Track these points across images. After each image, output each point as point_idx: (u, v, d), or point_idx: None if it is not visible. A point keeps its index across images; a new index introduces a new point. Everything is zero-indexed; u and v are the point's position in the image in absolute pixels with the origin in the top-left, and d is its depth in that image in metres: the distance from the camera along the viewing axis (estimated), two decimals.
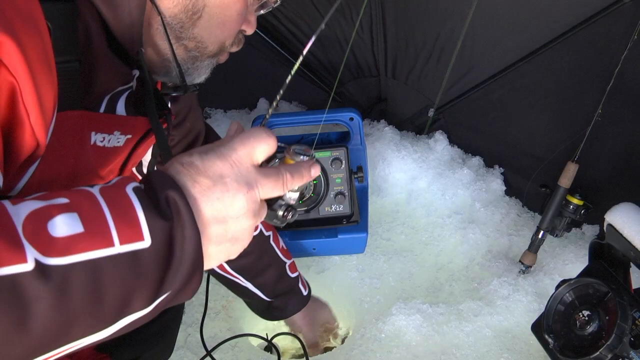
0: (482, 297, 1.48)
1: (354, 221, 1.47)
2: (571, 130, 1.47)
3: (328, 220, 1.46)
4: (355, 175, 1.45)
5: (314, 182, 1.41)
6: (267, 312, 1.39)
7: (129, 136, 0.83)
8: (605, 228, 1.11)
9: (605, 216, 1.11)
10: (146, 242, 0.56)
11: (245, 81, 1.90)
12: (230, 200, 0.61)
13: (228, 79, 1.87)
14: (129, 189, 0.59)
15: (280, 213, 0.69)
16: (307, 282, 1.43)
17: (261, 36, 1.76)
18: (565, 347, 1.10)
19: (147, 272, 0.56)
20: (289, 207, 0.69)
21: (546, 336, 1.13)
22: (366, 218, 1.53)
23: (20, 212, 0.53)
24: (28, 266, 0.50)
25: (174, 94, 0.88)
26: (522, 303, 1.44)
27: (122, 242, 0.55)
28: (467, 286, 1.54)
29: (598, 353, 1.01)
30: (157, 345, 1.19)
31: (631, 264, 1.15)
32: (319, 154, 1.41)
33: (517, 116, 1.64)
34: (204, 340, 1.34)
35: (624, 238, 1.06)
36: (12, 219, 0.52)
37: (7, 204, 0.54)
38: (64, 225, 0.53)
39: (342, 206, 1.44)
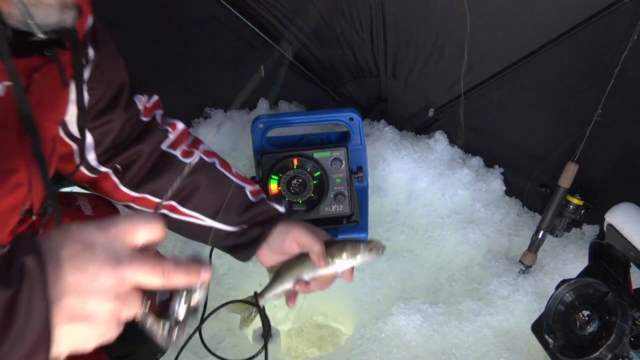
0: (482, 297, 1.48)
1: (354, 221, 1.47)
2: (571, 130, 1.47)
3: (328, 220, 1.46)
4: (355, 175, 1.45)
5: (314, 182, 1.41)
6: (242, 247, 1.13)
7: (7, 83, 0.75)
8: (605, 228, 1.11)
9: (605, 216, 1.11)
10: None
11: (245, 81, 1.90)
12: (94, 271, 0.56)
13: (228, 79, 1.87)
14: None
15: (162, 329, 0.60)
16: (286, 205, 1.21)
17: (261, 36, 1.76)
18: (565, 347, 1.10)
19: None
20: (176, 323, 0.60)
21: (546, 336, 1.13)
22: (366, 218, 1.53)
23: None
24: None
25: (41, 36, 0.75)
26: (522, 303, 1.44)
27: None
28: (467, 286, 1.54)
29: (598, 353, 1.01)
30: (152, 340, 1.18)
31: (631, 264, 1.15)
32: (319, 154, 1.41)
33: (517, 116, 1.64)
34: (204, 341, 1.33)
35: (624, 238, 1.06)
36: None
37: None
38: None
39: (342, 206, 1.44)
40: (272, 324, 1.42)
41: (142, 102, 1.10)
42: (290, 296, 1.13)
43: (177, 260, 0.60)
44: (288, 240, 1.09)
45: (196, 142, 1.18)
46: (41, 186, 0.87)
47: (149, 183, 1.10)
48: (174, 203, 1.12)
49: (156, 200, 1.11)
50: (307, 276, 1.08)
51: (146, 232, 0.60)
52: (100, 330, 0.59)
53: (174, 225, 1.16)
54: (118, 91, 1.06)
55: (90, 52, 0.96)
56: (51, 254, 0.56)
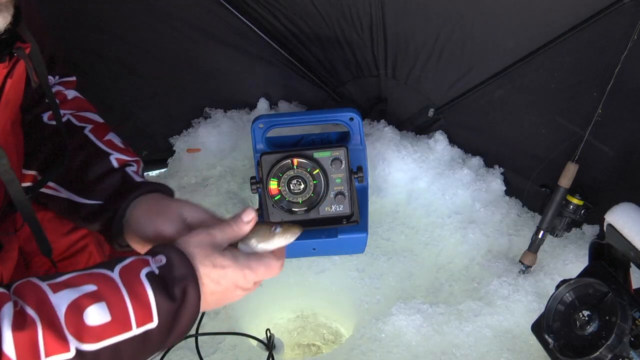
0: (482, 297, 1.48)
1: (353, 221, 1.47)
2: (571, 130, 1.47)
3: (328, 220, 1.46)
4: (355, 175, 1.45)
5: (314, 182, 1.41)
6: (106, 228, 0.96)
7: None
8: (605, 228, 1.11)
9: (605, 216, 1.11)
10: (154, 323, 0.73)
11: (245, 81, 1.90)
12: (231, 297, 0.82)
13: (228, 79, 1.88)
14: (143, 276, 0.74)
15: None
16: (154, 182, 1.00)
17: (261, 36, 1.76)
18: (565, 347, 1.10)
19: (152, 344, 0.74)
20: None
21: (546, 336, 1.13)
22: (366, 218, 1.53)
23: (61, 304, 0.68)
24: (70, 354, 0.67)
25: None
26: (522, 303, 1.44)
27: (138, 325, 0.72)
28: (467, 286, 1.54)
29: (598, 353, 1.01)
30: None
31: (631, 264, 1.15)
32: (319, 154, 1.41)
33: (517, 116, 1.64)
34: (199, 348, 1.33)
35: (624, 238, 1.06)
36: (56, 311, 0.68)
37: (48, 292, 0.69)
38: (96, 315, 0.69)
39: (342, 206, 1.44)
40: (276, 335, 1.43)
41: (50, 82, 1.06)
42: None
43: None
44: (150, 230, 0.88)
45: (77, 107, 1.06)
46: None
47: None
48: (34, 173, 1.01)
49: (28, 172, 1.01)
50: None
51: (270, 276, 0.84)
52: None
53: (48, 203, 1.01)
54: (48, 61, 1.01)
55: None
56: (206, 287, 0.78)
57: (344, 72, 1.82)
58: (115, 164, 0.98)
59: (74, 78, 1.13)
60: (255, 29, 1.74)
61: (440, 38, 1.58)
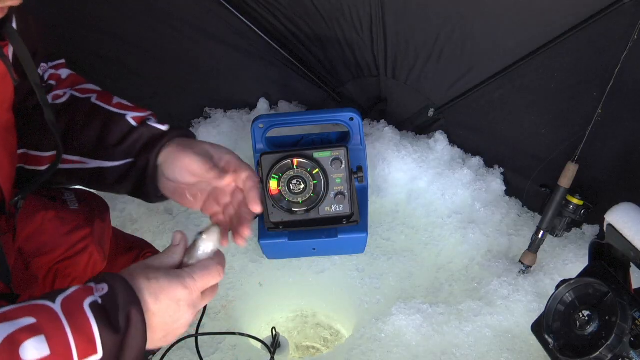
0: (482, 297, 1.48)
1: (353, 221, 1.47)
2: (571, 130, 1.47)
3: (328, 220, 1.46)
4: (355, 175, 1.45)
5: (314, 182, 1.41)
6: (139, 185, 0.99)
7: None
8: (605, 228, 1.11)
9: (605, 216, 1.11)
10: (99, 355, 0.70)
11: (245, 81, 1.90)
12: (179, 317, 0.79)
13: (228, 79, 1.87)
14: (86, 306, 0.71)
15: None
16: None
17: (261, 36, 1.76)
18: (565, 347, 1.10)
19: None
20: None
21: (546, 336, 1.13)
22: (366, 218, 1.53)
23: None
24: None
25: None
26: (522, 303, 1.44)
27: (80, 358, 0.68)
28: (467, 286, 1.54)
29: (598, 353, 1.01)
30: None
31: (631, 264, 1.15)
32: (319, 154, 1.41)
33: (517, 116, 1.64)
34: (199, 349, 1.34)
35: (624, 238, 1.06)
36: None
37: None
38: (33, 350, 0.66)
39: (342, 206, 1.44)
40: (280, 334, 1.43)
41: (44, 70, 1.06)
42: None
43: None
44: (177, 169, 0.93)
45: (74, 82, 1.07)
46: (8, 183, 0.88)
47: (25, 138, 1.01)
48: (55, 153, 1.00)
49: (39, 154, 1.02)
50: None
51: (214, 283, 0.83)
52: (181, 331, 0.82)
53: (69, 179, 1.04)
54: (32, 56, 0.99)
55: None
56: (147, 305, 0.75)
57: (344, 72, 1.82)
58: (133, 122, 1.00)
59: (62, 60, 1.10)
60: (255, 29, 1.74)
61: (440, 38, 1.58)
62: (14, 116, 0.96)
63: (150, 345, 0.76)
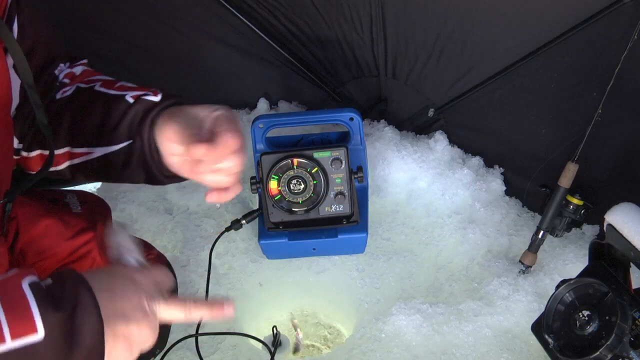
0: (482, 297, 1.48)
1: (353, 221, 1.47)
2: (571, 130, 1.47)
3: (328, 220, 1.46)
4: (355, 175, 1.45)
5: (314, 182, 1.41)
6: (146, 165, 0.93)
7: None
8: (605, 228, 1.11)
9: (605, 216, 1.11)
10: (39, 334, 0.61)
11: (245, 81, 1.90)
12: (136, 301, 0.70)
13: (228, 79, 1.87)
14: (25, 284, 0.64)
15: None
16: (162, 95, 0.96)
17: (261, 36, 1.76)
18: (565, 347, 1.10)
19: None
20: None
21: (546, 336, 1.13)
22: (366, 218, 1.53)
23: None
24: None
25: None
26: (522, 303, 1.44)
27: (13, 337, 0.60)
28: (467, 286, 1.54)
29: (598, 353, 1.01)
30: None
31: (631, 264, 1.15)
32: (319, 154, 1.41)
33: (517, 116, 1.64)
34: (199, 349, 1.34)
35: (624, 238, 1.06)
36: None
37: None
38: None
39: (342, 206, 1.44)
40: (282, 333, 1.43)
41: (60, 70, 1.03)
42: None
43: (197, 299, 0.75)
44: (163, 141, 0.86)
45: (81, 78, 1.03)
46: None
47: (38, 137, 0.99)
48: (68, 148, 0.96)
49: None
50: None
51: (165, 286, 0.76)
52: (134, 350, 0.70)
53: (85, 175, 1.00)
54: (39, 68, 0.98)
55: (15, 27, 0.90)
56: (100, 283, 0.68)
57: (344, 72, 1.82)
58: (130, 100, 0.94)
59: (84, 60, 1.08)
60: (255, 29, 1.74)
61: (440, 38, 1.58)
62: (11, 119, 0.95)
63: (109, 334, 0.67)
